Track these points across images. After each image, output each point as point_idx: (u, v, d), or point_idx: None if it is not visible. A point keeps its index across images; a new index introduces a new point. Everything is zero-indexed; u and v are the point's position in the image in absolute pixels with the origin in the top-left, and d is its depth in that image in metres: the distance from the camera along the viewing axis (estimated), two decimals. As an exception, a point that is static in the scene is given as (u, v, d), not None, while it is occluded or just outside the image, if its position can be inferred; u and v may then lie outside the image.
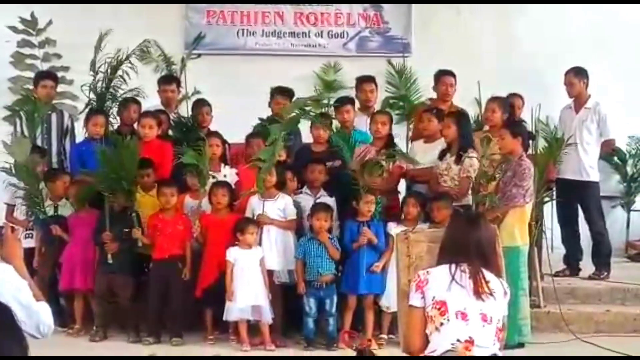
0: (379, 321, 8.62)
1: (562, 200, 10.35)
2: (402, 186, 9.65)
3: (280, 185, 8.73)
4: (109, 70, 9.87)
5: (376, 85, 10.33)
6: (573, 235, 10.56)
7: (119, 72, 9.89)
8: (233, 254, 8.35)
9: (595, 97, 10.35)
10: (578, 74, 10.36)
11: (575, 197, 10.39)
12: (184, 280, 8.58)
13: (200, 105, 9.97)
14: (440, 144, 9.15)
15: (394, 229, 8.49)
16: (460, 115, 9.21)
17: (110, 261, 8.60)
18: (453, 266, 4.58)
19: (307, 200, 8.94)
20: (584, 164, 10.24)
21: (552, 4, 12.83)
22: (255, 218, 8.59)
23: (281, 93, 9.72)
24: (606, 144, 10.49)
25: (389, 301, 8.32)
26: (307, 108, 8.41)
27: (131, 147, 8.78)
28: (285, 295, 8.68)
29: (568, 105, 10.50)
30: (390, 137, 9.40)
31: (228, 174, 9.21)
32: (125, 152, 8.70)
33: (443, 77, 10.14)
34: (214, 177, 8.98)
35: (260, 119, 9.74)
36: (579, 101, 10.38)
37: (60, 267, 8.85)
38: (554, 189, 10.17)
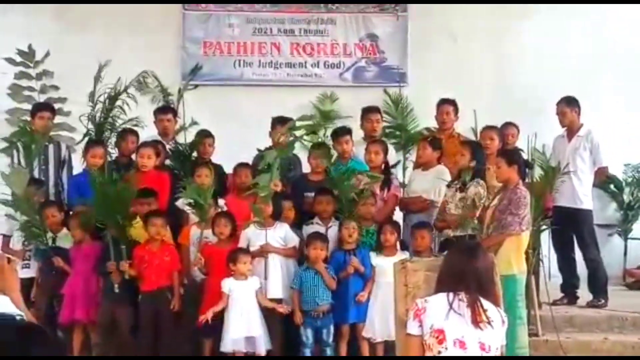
0: (372, 351, 8.58)
1: (557, 227, 10.35)
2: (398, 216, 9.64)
3: (277, 215, 8.71)
4: (107, 101, 9.90)
5: (381, 115, 10.40)
6: (569, 262, 10.56)
7: (118, 103, 9.92)
8: (228, 284, 8.31)
9: (591, 126, 10.37)
10: (569, 103, 10.39)
11: (570, 225, 10.40)
12: (176, 311, 8.56)
13: (204, 136, 9.95)
14: (435, 172, 9.22)
15: (374, 258, 8.59)
16: (475, 146, 9.25)
17: (117, 290, 8.57)
18: (451, 295, 4.59)
19: (321, 230, 8.90)
20: (578, 192, 10.26)
21: (548, 29, 12.87)
22: (258, 247, 8.55)
23: (281, 123, 9.71)
24: (600, 172, 10.52)
25: (372, 332, 8.45)
26: (300, 133, 8.42)
27: (129, 180, 8.82)
28: (283, 325, 8.63)
29: (561, 134, 10.53)
30: (386, 166, 9.44)
31: (222, 204, 9.17)
32: (121, 185, 8.71)
33: (441, 105, 10.23)
34: (221, 207, 9.00)
35: (259, 150, 9.74)
36: (571, 130, 10.41)
37: (58, 298, 8.81)
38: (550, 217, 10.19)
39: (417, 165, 9.86)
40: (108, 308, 8.66)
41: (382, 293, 8.23)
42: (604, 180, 11.14)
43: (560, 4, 12.79)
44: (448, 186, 8.99)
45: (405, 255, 8.21)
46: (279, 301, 8.54)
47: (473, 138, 10.09)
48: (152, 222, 8.60)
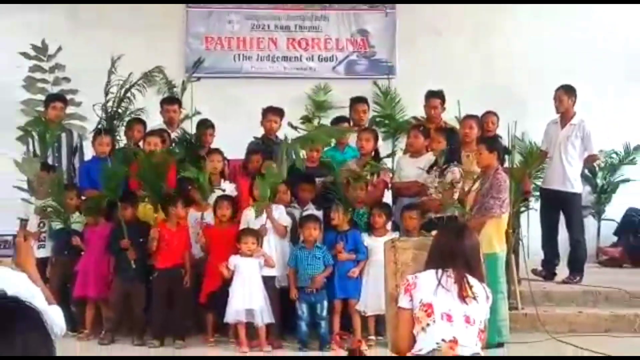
0: (365, 324, 8.60)
1: (545, 208, 10.39)
2: (388, 199, 9.64)
3: (272, 197, 8.72)
4: (121, 92, 9.95)
5: (368, 105, 10.43)
6: (553, 241, 10.57)
7: (128, 94, 9.96)
8: (233, 261, 8.36)
9: (580, 114, 10.32)
10: (568, 91, 10.32)
11: (558, 207, 10.41)
12: (186, 287, 8.59)
13: (205, 126, 9.96)
14: (425, 159, 9.21)
15: (366, 239, 8.63)
16: (449, 132, 9.29)
17: (133, 266, 8.60)
18: (440, 271, 4.60)
19: (296, 213, 8.96)
20: (569, 176, 10.22)
21: (527, 24, 12.87)
22: (257, 228, 8.56)
23: (272, 111, 9.76)
24: (590, 159, 10.51)
25: (364, 306, 8.47)
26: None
27: (165, 161, 8.99)
28: (281, 300, 8.65)
29: (554, 120, 10.45)
30: (376, 153, 9.45)
31: (227, 187, 9.23)
32: (159, 167, 8.89)
33: (430, 99, 10.20)
34: (222, 190, 9.08)
35: (255, 137, 9.78)
36: (565, 117, 10.34)
37: (71, 276, 8.83)
38: (534, 199, 10.23)
39: (407, 152, 9.83)
40: (122, 285, 8.68)
41: (374, 270, 8.25)
42: (592, 167, 11.13)
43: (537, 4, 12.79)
44: (427, 172, 9.00)
45: (396, 235, 8.21)
46: (272, 278, 8.59)
47: (458, 127, 10.08)
48: (179, 205, 8.67)
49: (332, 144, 9.81)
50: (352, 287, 8.60)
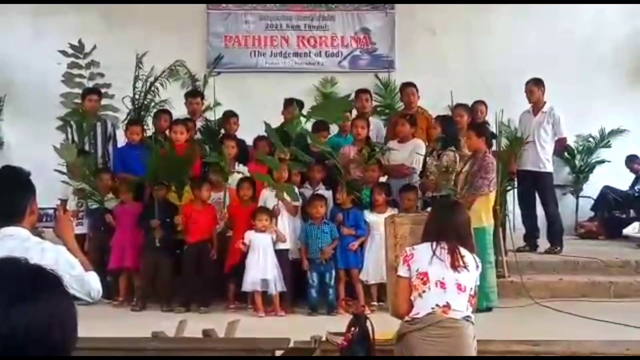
0: (368, 292, 8.61)
1: (522, 188, 10.39)
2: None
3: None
4: (146, 85, 9.96)
5: (371, 95, 10.40)
6: (531, 216, 10.57)
7: (154, 88, 9.99)
8: (248, 236, 8.42)
9: (549, 103, 10.35)
10: (537, 83, 10.34)
11: (534, 185, 10.42)
12: (213, 259, 8.65)
13: (230, 116, 9.97)
14: (412, 144, 9.27)
15: (368, 215, 8.66)
16: (445, 119, 9.31)
17: (158, 244, 8.66)
18: (434, 244, 4.61)
19: (308, 193, 8.97)
20: (541, 157, 10.25)
21: (512, 23, 12.81)
22: (271, 208, 8.59)
23: (292, 103, 9.70)
24: (559, 141, 10.50)
25: (367, 276, 8.53)
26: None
27: (193, 151, 9.09)
28: (294, 271, 8.67)
29: (527, 109, 10.49)
30: (368, 139, 9.48)
31: (241, 170, 9.22)
32: (185, 155, 8.99)
33: (407, 88, 10.18)
34: (238, 172, 9.07)
35: (265, 123, 9.66)
36: (536, 106, 10.37)
37: (107, 249, 8.87)
38: (515, 179, 10.23)
39: (393, 138, 9.75)
40: (151, 257, 8.74)
41: (375, 244, 8.30)
42: (562, 149, 11.12)
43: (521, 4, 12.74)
44: (427, 157, 9.00)
45: (395, 212, 8.22)
46: (286, 251, 8.64)
47: (440, 114, 10.02)
48: (205, 187, 8.74)
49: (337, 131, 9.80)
50: (352, 258, 8.66)
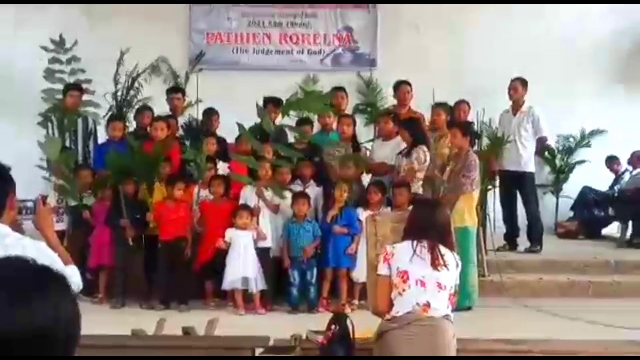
0: (351, 290, 8.60)
1: (504, 187, 10.43)
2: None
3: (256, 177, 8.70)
4: (128, 82, 9.90)
5: (346, 93, 10.42)
6: (512, 216, 10.62)
7: (136, 84, 9.96)
8: (229, 234, 8.39)
9: (531, 103, 10.43)
10: (523, 83, 10.45)
11: (515, 185, 10.49)
12: (187, 257, 8.62)
13: (211, 113, 9.99)
14: (395, 142, 9.33)
15: (362, 213, 8.53)
16: (408, 122, 9.37)
17: (131, 243, 8.64)
18: (415, 242, 4.61)
19: (299, 190, 8.92)
20: (523, 156, 10.34)
21: (494, 22, 12.85)
22: (252, 206, 8.56)
23: (271, 102, 9.68)
24: (540, 140, 10.56)
25: (359, 274, 8.37)
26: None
27: (162, 148, 8.97)
28: (275, 269, 8.66)
29: (506, 110, 10.59)
30: (354, 136, 9.55)
31: (220, 167, 9.21)
32: (155, 151, 8.91)
33: (401, 86, 10.21)
34: (219, 170, 9.06)
35: (237, 123, 9.47)
36: (516, 105, 10.46)
37: (87, 247, 8.83)
38: (497, 178, 10.27)
39: (379, 136, 9.87)
40: (122, 254, 8.71)
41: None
42: (543, 149, 11.18)
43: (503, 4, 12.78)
44: (398, 154, 9.11)
45: (388, 210, 8.24)
46: (267, 250, 8.62)
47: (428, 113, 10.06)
48: (177, 185, 8.66)
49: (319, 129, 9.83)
50: (344, 258, 8.61)
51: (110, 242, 8.81)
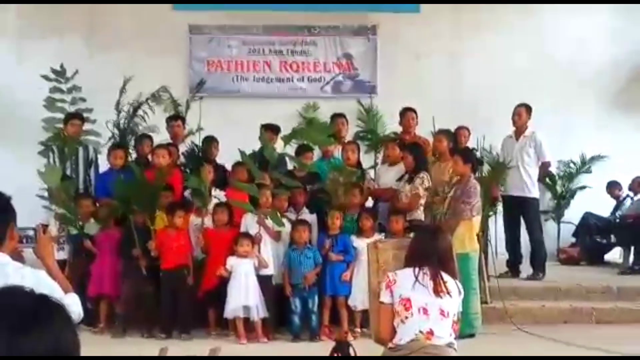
0: (352, 318, 8.57)
1: (507, 213, 10.43)
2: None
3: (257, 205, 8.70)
4: (130, 110, 10.06)
5: (346, 120, 10.43)
6: (515, 242, 10.58)
7: (139, 112, 10.02)
8: (230, 262, 8.37)
9: (531, 128, 10.44)
10: (527, 109, 10.47)
11: (518, 211, 10.46)
12: (190, 285, 8.59)
13: (211, 141, 9.99)
14: (400, 168, 9.39)
15: (356, 240, 8.59)
16: (413, 147, 9.41)
17: (144, 272, 8.60)
18: (417, 269, 4.60)
19: (292, 218, 8.92)
20: (526, 183, 10.32)
21: (493, 50, 12.91)
22: (253, 234, 8.54)
23: (270, 128, 9.70)
24: (543, 165, 10.56)
25: (355, 301, 8.43)
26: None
27: (162, 176, 8.94)
28: (277, 297, 8.63)
29: (509, 135, 10.58)
30: (359, 162, 9.61)
31: (218, 195, 9.17)
32: (156, 180, 8.88)
33: (406, 113, 10.25)
34: (216, 197, 9.03)
35: (239, 150, 9.53)
36: (519, 131, 10.47)
37: (88, 276, 8.79)
38: (499, 204, 10.28)
39: (385, 162, 9.95)
40: (134, 285, 8.63)
41: (363, 269, 8.16)
42: (544, 175, 11.18)
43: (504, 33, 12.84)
44: (398, 180, 9.12)
45: (381, 236, 8.24)
46: (269, 277, 8.58)
47: (432, 140, 10.08)
48: (178, 213, 8.63)
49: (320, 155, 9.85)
50: (340, 285, 8.59)
51: (111, 270, 8.76)
